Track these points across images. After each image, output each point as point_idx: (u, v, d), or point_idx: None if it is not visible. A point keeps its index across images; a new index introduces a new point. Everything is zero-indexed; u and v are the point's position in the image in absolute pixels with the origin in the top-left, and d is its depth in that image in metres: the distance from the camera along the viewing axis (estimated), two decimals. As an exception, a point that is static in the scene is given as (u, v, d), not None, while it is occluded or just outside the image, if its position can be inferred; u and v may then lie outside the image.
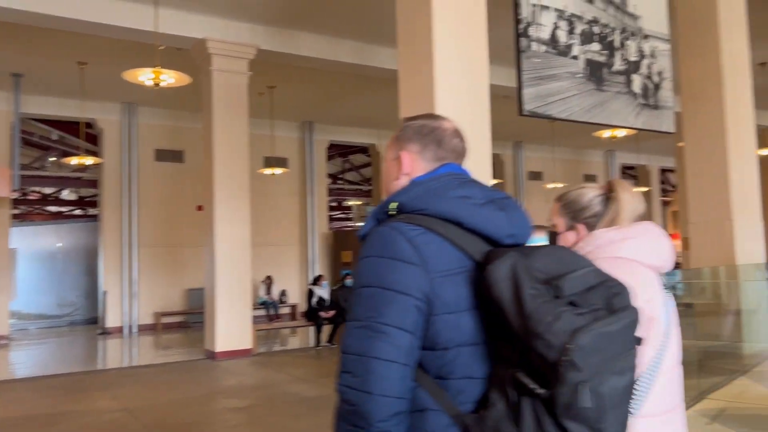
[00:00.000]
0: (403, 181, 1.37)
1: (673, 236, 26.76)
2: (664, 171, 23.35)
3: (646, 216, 1.63)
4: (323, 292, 10.69)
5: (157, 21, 7.60)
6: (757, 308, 7.33)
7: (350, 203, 23.56)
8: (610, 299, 1.13)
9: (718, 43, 7.20)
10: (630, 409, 1.16)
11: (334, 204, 22.55)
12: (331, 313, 10.22)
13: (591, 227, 1.60)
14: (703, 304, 7.23)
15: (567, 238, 1.64)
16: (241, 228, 9.12)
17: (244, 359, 8.82)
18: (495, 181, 5.50)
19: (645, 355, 1.40)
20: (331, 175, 18.63)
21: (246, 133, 9.30)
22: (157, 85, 7.49)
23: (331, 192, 17.68)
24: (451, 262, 1.19)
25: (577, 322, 1.06)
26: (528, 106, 5.75)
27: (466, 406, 1.17)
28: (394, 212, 1.26)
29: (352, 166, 20.57)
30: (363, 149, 17.47)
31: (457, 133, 1.43)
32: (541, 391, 1.06)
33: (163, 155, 13.61)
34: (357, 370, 1.14)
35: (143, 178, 13.25)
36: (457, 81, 4.98)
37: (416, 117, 1.45)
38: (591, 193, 1.63)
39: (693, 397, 4.88)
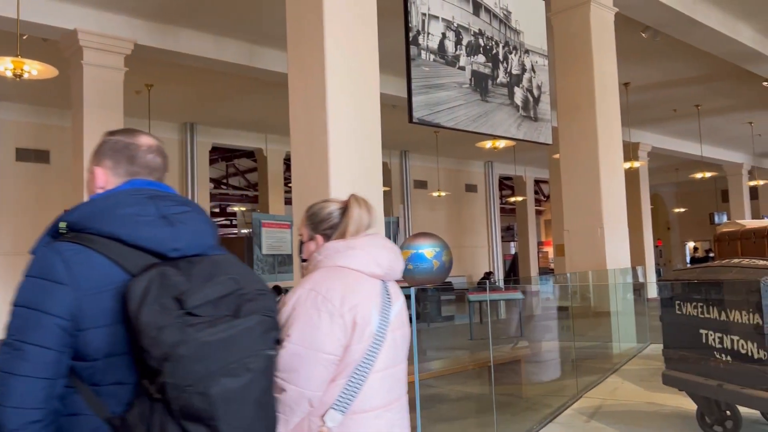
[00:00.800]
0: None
1: (546, 243, 28.50)
2: (537, 182, 24.75)
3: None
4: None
5: (20, 7, 6.90)
6: (624, 310, 7.88)
7: (235, 209, 22.87)
8: (240, 306, 1.27)
9: (591, 62, 7.68)
10: (263, 406, 1.31)
11: (216, 210, 21.82)
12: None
13: (328, 238, 1.77)
14: (577, 306, 7.65)
15: (309, 248, 1.80)
16: (114, 234, 8.47)
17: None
18: (384, 189, 5.46)
19: (351, 356, 1.58)
20: (214, 180, 17.96)
21: (121, 133, 8.66)
22: (18, 77, 6.78)
23: (213, 197, 17.02)
24: (104, 278, 1.28)
25: (178, 335, 1.18)
26: (417, 114, 5.80)
27: (119, 408, 1.27)
28: (65, 231, 1.33)
29: (236, 171, 19.97)
30: (249, 153, 17.00)
31: (153, 149, 1.51)
32: (158, 395, 1.20)
33: (25, 155, 12.42)
34: None
35: (1, 180, 12.03)
36: (348, 87, 4.91)
37: (115, 132, 1.52)
38: (331, 207, 1.80)
39: (572, 396, 5.12)
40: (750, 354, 3.31)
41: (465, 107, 6.27)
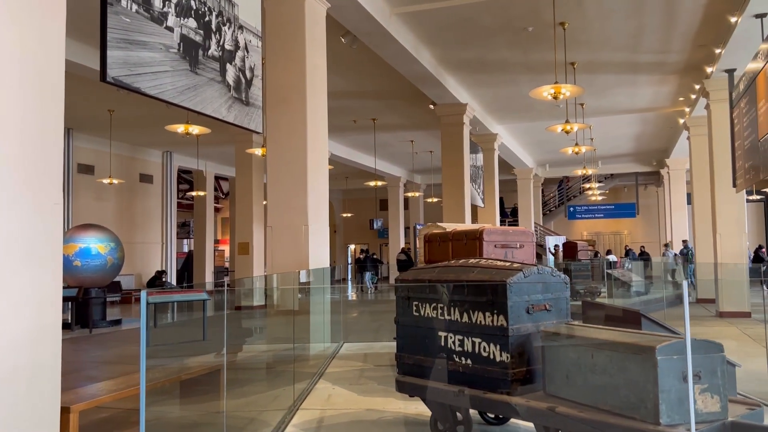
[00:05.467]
0: None
1: (222, 242, 27.76)
2: (217, 178, 23.98)
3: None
4: None
5: None
6: (319, 310, 7.75)
7: None
8: None
9: (303, 54, 7.37)
10: None
11: None
12: None
13: None
14: (273, 308, 7.24)
15: None
16: None
17: None
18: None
19: None
20: None
21: None
22: None
23: None
24: None
25: None
26: (113, 73, 4.66)
27: None
28: None
29: None
30: None
31: None
32: None
33: None
34: None
35: None
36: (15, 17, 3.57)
37: None
38: None
39: (288, 408, 4.61)
40: (492, 357, 3.26)
41: (172, 75, 5.30)
